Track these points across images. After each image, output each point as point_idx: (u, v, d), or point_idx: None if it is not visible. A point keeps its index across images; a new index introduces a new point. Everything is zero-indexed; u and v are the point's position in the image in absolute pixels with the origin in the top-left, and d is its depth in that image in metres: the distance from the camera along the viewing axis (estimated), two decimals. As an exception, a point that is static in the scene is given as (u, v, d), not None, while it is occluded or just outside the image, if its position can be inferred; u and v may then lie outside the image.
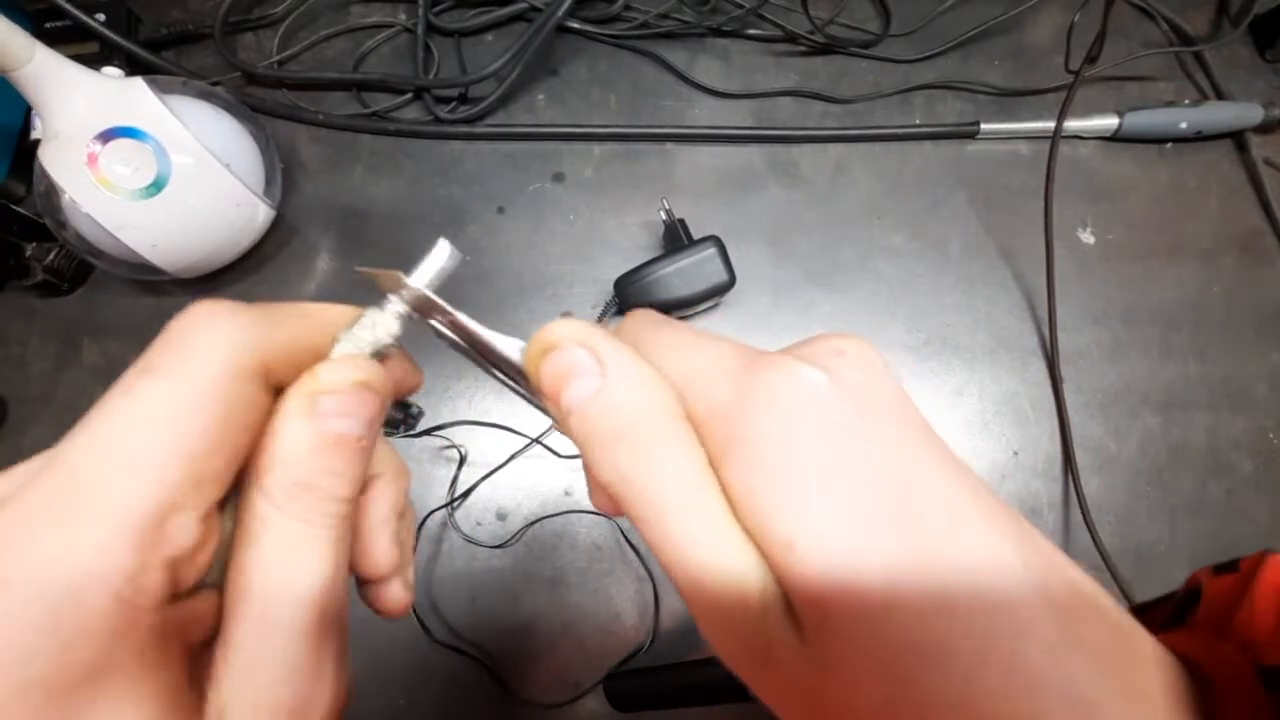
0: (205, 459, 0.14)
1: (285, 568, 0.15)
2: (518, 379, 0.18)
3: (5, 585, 0.12)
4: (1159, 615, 0.17)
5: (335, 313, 0.17)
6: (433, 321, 0.18)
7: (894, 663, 0.13)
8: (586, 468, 0.18)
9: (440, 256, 0.17)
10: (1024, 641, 0.12)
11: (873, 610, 0.13)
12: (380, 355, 0.17)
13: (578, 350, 0.16)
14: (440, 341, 0.19)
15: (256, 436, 0.16)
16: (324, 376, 0.16)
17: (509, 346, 0.18)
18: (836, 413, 0.14)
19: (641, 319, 0.18)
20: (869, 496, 0.13)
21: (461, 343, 0.18)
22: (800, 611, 0.13)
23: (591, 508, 0.45)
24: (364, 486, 0.17)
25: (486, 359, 0.18)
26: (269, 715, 0.14)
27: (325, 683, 0.15)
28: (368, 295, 0.18)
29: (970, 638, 0.12)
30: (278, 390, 0.16)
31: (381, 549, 0.18)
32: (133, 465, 0.13)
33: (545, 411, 0.18)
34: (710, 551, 0.14)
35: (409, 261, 0.17)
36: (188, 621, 0.15)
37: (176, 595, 0.14)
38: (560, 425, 0.17)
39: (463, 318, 0.17)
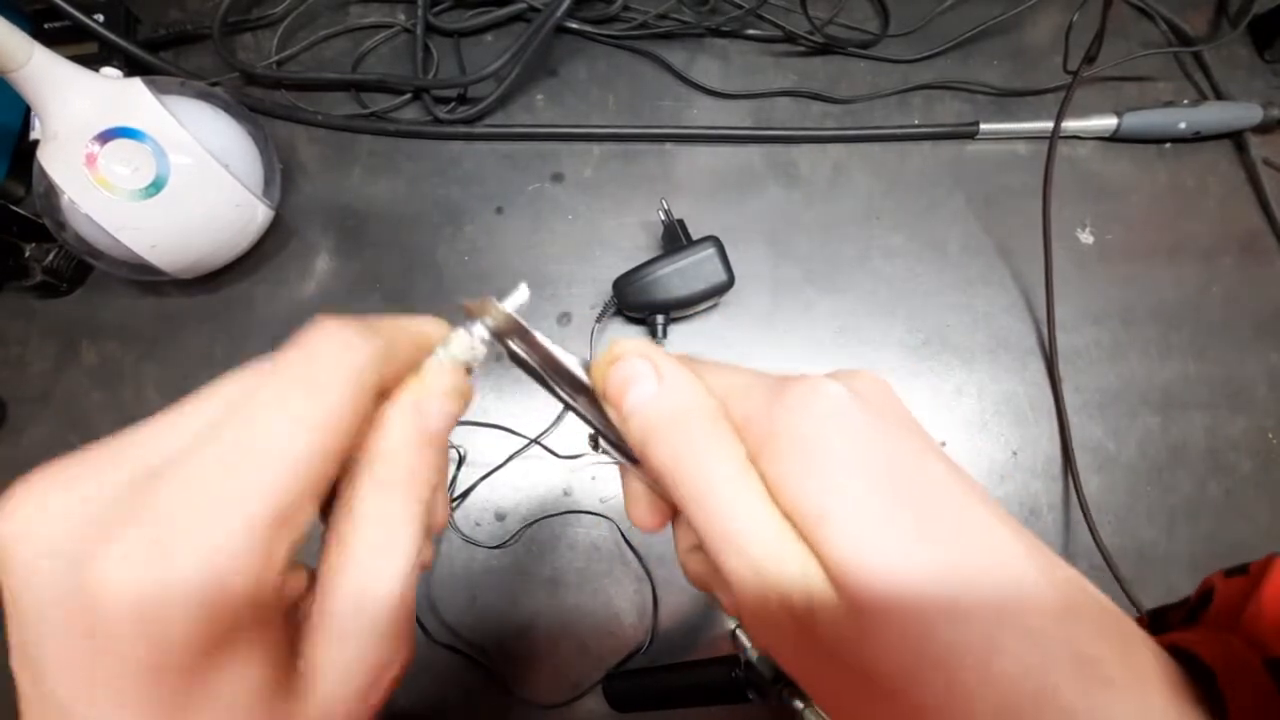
0: (332, 461, 0.16)
1: (386, 545, 0.17)
2: (577, 395, 0.21)
3: (166, 557, 0.14)
4: (1174, 618, 0.18)
5: (428, 325, 0.20)
6: (510, 343, 0.21)
7: (920, 618, 0.14)
8: (626, 483, 0.22)
9: (521, 295, 0.21)
10: (1026, 614, 0.14)
11: (895, 569, 0.15)
12: (467, 368, 0.20)
13: (639, 361, 0.19)
14: (512, 364, 0.21)
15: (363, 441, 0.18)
16: (430, 382, 0.19)
17: (572, 362, 0.20)
18: (856, 415, 0.17)
19: (688, 357, 0.21)
20: (886, 477, 0.16)
21: (533, 363, 0.21)
22: (835, 577, 0.15)
23: (591, 508, 0.45)
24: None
25: (554, 376, 0.21)
26: (359, 674, 0.17)
27: (402, 644, 0.18)
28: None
29: (982, 589, 0.14)
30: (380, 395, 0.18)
31: (441, 504, 0.21)
32: (282, 463, 0.15)
33: (598, 427, 0.20)
34: (757, 526, 0.16)
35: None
36: (291, 593, 0.17)
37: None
38: (618, 428, 0.19)
39: (539, 336, 0.20)
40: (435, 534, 0.21)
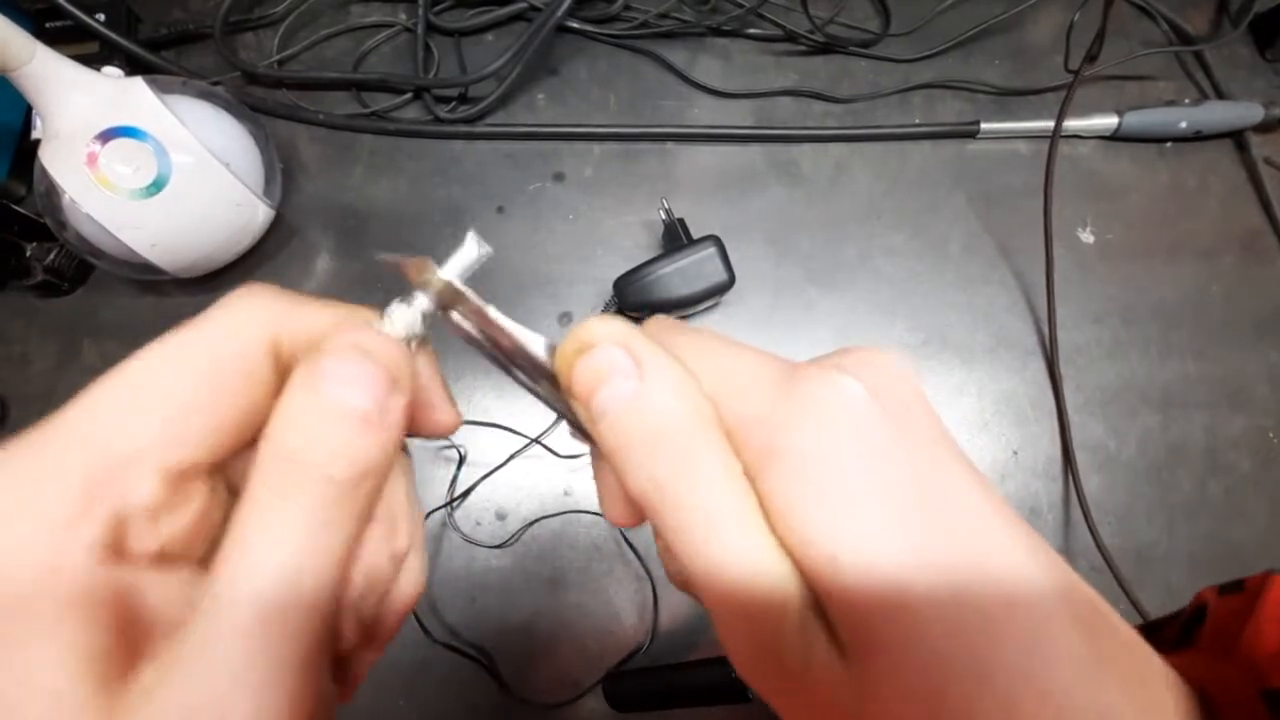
0: (182, 417, 0.14)
1: (252, 550, 0.14)
2: (539, 379, 0.17)
3: None
4: (1168, 634, 0.17)
5: (365, 310, 0.17)
6: (455, 316, 0.17)
7: (939, 680, 0.12)
8: (600, 476, 0.18)
9: (469, 253, 0.17)
10: (1058, 661, 0.12)
11: (917, 624, 0.13)
12: (408, 341, 0.17)
13: (615, 350, 0.15)
14: (460, 340, 0.18)
15: (255, 416, 0.15)
16: (327, 341, 0.15)
17: (535, 343, 0.17)
18: (876, 425, 0.14)
19: (665, 323, 0.17)
20: (909, 510, 0.13)
21: (483, 339, 0.17)
22: (842, 627, 0.13)
23: (591, 508, 0.45)
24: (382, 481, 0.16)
25: (509, 357, 0.17)
26: (179, 712, 0.13)
27: (255, 695, 0.13)
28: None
29: (1007, 653, 0.12)
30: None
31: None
32: (99, 407, 0.14)
33: (564, 415, 0.17)
34: (748, 564, 0.14)
35: (454, 248, 0.17)
36: (139, 590, 0.14)
37: (124, 556, 0.14)
38: (586, 429, 0.16)
39: (491, 310, 0.17)
40: (406, 563, 0.17)
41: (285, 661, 0.13)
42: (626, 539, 0.44)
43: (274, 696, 0.13)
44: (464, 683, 0.42)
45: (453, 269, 0.17)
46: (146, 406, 0.14)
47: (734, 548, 0.14)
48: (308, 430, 0.14)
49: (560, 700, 0.42)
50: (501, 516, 0.45)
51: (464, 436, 0.45)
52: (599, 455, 0.17)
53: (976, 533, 0.13)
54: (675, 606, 0.43)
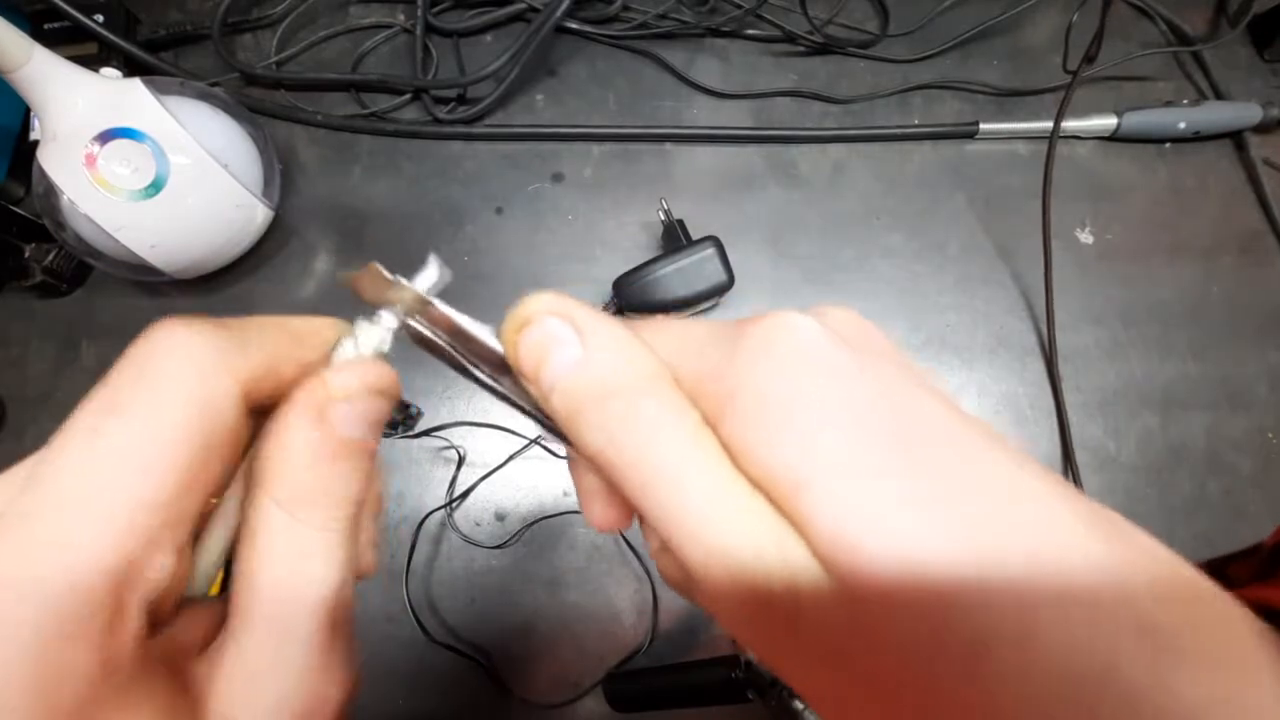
0: (181, 501, 0.14)
1: (298, 574, 0.15)
2: (501, 375, 0.17)
3: None
4: (1239, 572, 0.15)
5: (319, 324, 0.17)
6: (415, 324, 0.17)
7: (930, 602, 0.12)
8: (577, 478, 0.18)
9: (432, 274, 0.17)
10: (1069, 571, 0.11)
11: (900, 544, 0.12)
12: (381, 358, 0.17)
13: (553, 321, 0.15)
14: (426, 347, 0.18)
15: (238, 459, 0.15)
16: (335, 383, 0.15)
17: (486, 334, 0.17)
18: (831, 353, 0.14)
19: (634, 319, 0.18)
20: (876, 426, 0.13)
21: (445, 344, 0.17)
22: (823, 556, 0.12)
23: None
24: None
25: (471, 357, 0.17)
26: (285, 703, 0.14)
27: (333, 684, 0.15)
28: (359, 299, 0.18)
29: (1007, 584, 0.12)
30: (261, 409, 0.15)
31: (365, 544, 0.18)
32: (103, 520, 0.13)
33: (530, 412, 0.17)
34: (716, 507, 0.13)
35: (411, 259, 0.17)
36: (173, 642, 0.15)
37: (160, 623, 0.15)
38: (545, 409, 0.16)
39: (451, 311, 0.17)
40: (366, 573, 0.18)
41: (345, 659, 0.15)
42: (626, 540, 0.44)
43: (343, 691, 0.15)
44: (464, 683, 0.42)
45: (422, 284, 0.17)
46: (150, 502, 0.13)
47: (697, 493, 0.13)
48: (325, 468, 0.15)
49: (560, 700, 0.42)
50: (501, 517, 0.45)
51: (463, 437, 0.45)
52: (574, 458, 0.17)
53: (950, 447, 0.13)
54: (675, 607, 0.43)
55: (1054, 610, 0.11)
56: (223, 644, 0.15)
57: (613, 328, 0.15)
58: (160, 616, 0.15)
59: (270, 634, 0.14)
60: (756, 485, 0.13)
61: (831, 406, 0.13)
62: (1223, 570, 0.15)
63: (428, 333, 0.17)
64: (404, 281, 0.17)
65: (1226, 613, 0.12)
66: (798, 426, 0.13)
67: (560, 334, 0.15)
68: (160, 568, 0.14)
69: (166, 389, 0.14)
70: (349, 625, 0.16)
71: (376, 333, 0.17)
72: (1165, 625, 0.11)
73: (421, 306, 0.17)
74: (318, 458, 0.15)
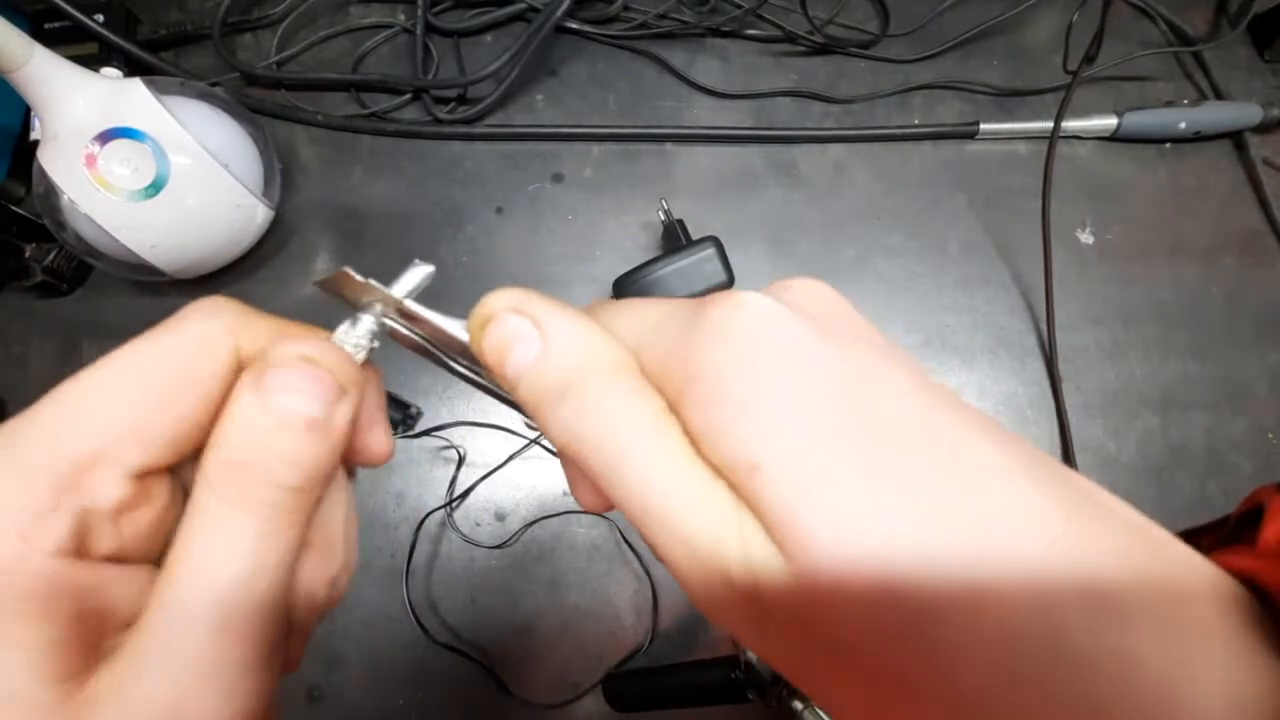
0: (146, 417, 0.14)
1: (207, 556, 0.14)
2: (481, 371, 0.17)
3: None
4: (1208, 544, 0.15)
5: (320, 331, 0.17)
6: (392, 323, 0.18)
7: (882, 581, 0.12)
8: (564, 462, 0.18)
9: (418, 274, 0.17)
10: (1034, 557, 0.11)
11: (850, 526, 0.12)
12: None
13: (512, 318, 0.15)
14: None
15: (214, 414, 0.15)
16: (274, 352, 0.15)
17: (464, 332, 0.17)
18: (789, 331, 0.13)
19: (597, 302, 0.18)
20: (834, 407, 0.13)
21: (422, 342, 0.18)
22: (777, 539, 0.12)
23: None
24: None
25: (449, 353, 0.18)
26: (135, 712, 0.13)
27: (219, 694, 0.14)
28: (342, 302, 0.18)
29: (957, 563, 0.12)
30: None
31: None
32: (67, 407, 0.14)
33: (506, 400, 0.17)
34: (676, 497, 0.13)
35: (411, 260, 0.18)
36: (98, 588, 0.14)
37: (86, 554, 0.14)
38: (516, 402, 0.16)
39: (415, 305, 0.17)
40: (336, 582, 0.17)
41: (246, 662, 0.14)
42: (626, 540, 0.44)
43: (238, 696, 0.14)
44: (464, 683, 0.42)
45: (401, 289, 0.17)
46: (115, 407, 0.14)
47: (658, 477, 0.14)
48: (256, 437, 0.15)
49: (560, 700, 0.42)
50: (501, 517, 0.45)
51: (463, 437, 0.45)
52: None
53: (911, 424, 0.13)
54: (675, 607, 0.43)
55: (1002, 586, 0.11)
56: (134, 626, 0.14)
57: (572, 319, 0.15)
58: (91, 546, 0.14)
59: (161, 615, 0.14)
60: (718, 472, 0.13)
61: (786, 389, 0.13)
62: (1195, 542, 0.15)
63: (405, 331, 0.18)
64: (375, 284, 0.17)
65: (1183, 577, 0.12)
66: (751, 412, 0.13)
67: (520, 329, 0.15)
68: (105, 481, 0.14)
69: (168, 329, 0.15)
70: (264, 633, 0.14)
71: (354, 334, 0.17)
72: (1115, 591, 0.11)
73: (397, 307, 0.17)
74: (249, 428, 0.15)
